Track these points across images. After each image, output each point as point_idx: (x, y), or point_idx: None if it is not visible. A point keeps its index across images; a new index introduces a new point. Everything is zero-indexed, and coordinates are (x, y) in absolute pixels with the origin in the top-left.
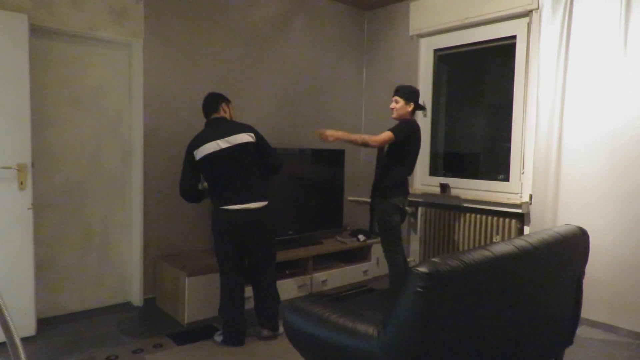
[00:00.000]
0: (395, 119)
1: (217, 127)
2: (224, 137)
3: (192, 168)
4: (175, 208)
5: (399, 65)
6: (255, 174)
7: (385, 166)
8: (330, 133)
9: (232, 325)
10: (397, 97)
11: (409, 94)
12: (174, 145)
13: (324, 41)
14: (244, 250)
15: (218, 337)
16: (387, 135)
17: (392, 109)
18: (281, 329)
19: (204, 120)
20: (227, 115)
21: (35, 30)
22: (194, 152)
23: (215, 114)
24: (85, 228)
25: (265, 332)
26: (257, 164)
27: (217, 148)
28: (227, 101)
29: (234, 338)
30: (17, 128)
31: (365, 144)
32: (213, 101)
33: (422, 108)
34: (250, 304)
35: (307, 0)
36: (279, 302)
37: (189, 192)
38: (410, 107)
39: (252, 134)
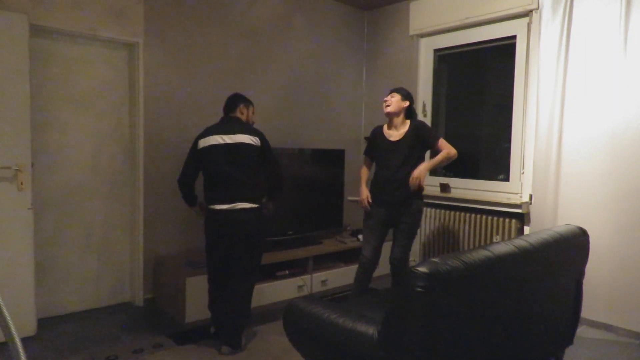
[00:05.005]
0: (389, 112)
1: (226, 124)
2: (228, 134)
3: (194, 157)
4: (175, 208)
5: (399, 65)
6: (251, 177)
7: (414, 164)
8: (417, 175)
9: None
10: (394, 93)
11: (408, 94)
12: (174, 145)
13: (324, 41)
14: (228, 254)
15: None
16: (444, 141)
17: (386, 101)
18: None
19: (204, 119)
20: (243, 117)
21: (35, 30)
22: (199, 141)
23: (231, 114)
24: (85, 228)
25: (224, 349)
26: (255, 168)
27: (220, 142)
28: (247, 103)
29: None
30: (17, 128)
31: (449, 159)
32: (231, 102)
33: (415, 113)
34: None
35: (307, 0)
36: (248, 318)
37: (184, 181)
38: (406, 104)
39: (257, 138)
